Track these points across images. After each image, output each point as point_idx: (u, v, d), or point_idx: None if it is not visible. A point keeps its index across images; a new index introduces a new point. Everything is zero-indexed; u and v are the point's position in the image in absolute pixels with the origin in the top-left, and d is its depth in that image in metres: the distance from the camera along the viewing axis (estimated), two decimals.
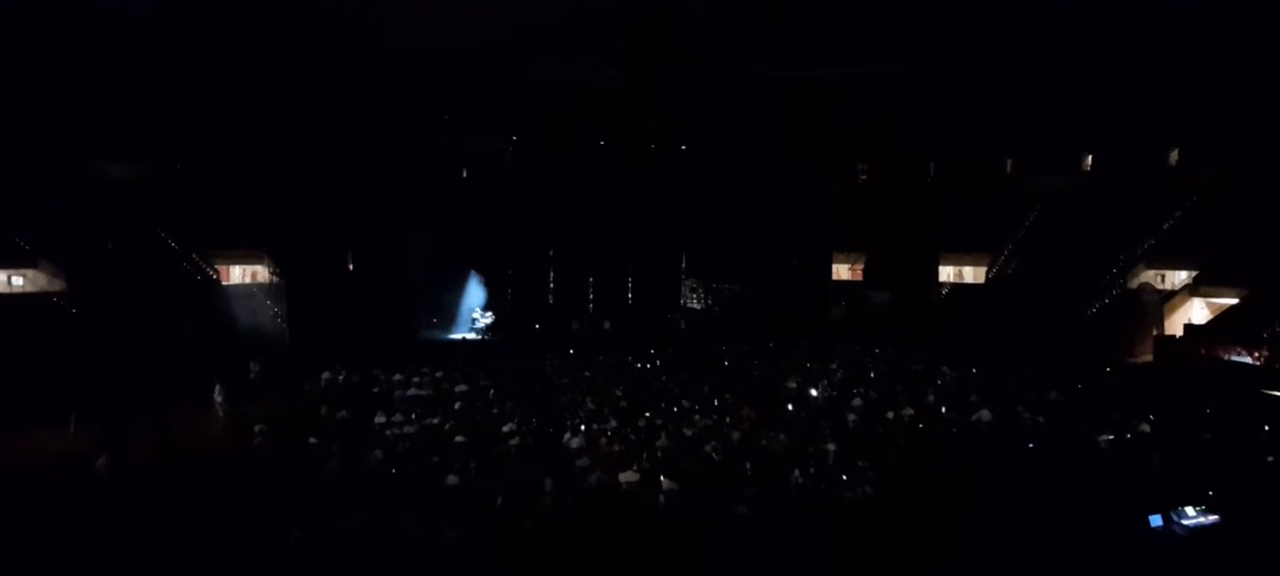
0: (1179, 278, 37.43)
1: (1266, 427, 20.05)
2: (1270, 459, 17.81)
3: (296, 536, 13.72)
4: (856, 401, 23.79)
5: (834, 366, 30.09)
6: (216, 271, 38.54)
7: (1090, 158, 45.24)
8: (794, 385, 26.64)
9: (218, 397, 23.96)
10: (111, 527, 14.94)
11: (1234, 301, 33.43)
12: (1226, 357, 29.84)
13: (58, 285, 32.53)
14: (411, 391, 25.37)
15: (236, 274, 40.14)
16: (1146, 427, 20.32)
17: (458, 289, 45.09)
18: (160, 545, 14.19)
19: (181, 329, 32.31)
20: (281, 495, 16.14)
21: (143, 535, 14.52)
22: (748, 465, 17.56)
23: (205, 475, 18.28)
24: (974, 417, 21.79)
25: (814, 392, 25.72)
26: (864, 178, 49.95)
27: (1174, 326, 34.78)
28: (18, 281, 32.77)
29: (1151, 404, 22.50)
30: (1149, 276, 38.17)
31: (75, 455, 19.03)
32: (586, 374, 28.77)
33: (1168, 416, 21.35)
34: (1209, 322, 33.64)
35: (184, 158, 39.99)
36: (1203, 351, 31.04)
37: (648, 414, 22.34)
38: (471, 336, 42.09)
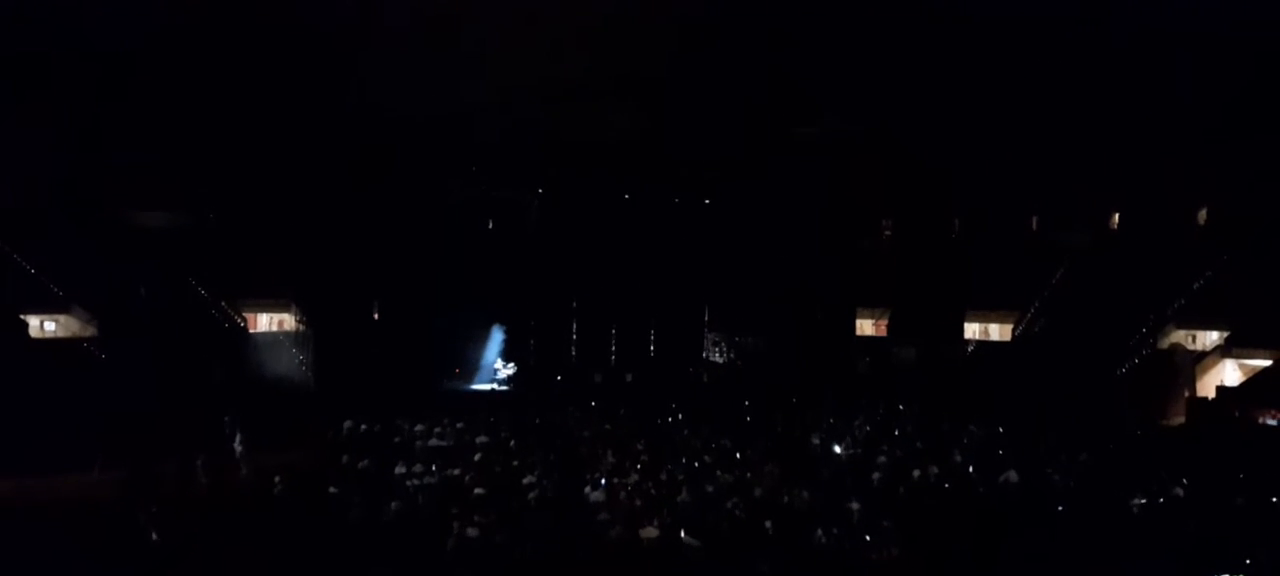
0: (1210, 338, 36.79)
1: None
2: None
3: None
4: (881, 459, 23.48)
5: (858, 423, 29.75)
6: (244, 319, 38.99)
7: (1117, 216, 44.92)
8: (817, 441, 26.36)
9: (237, 446, 23.95)
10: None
11: (1267, 363, 32.80)
12: (1261, 420, 29.20)
13: (89, 331, 33.02)
14: (433, 442, 25.36)
15: (264, 321, 40.57)
16: (1180, 491, 19.86)
17: (480, 340, 45.28)
18: None
19: (210, 375, 32.66)
20: (303, 544, 16.13)
21: None
22: (770, 522, 17.31)
23: (228, 522, 18.33)
24: (1002, 478, 21.40)
25: (838, 449, 25.43)
26: (888, 233, 49.85)
27: (1206, 388, 34.10)
28: (50, 326, 33.32)
29: (1185, 467, 22.00)
30: (1180, 336, 37.57)
31: (101, 499, 19.18)
32: (608, 427, 28.65)
33: (1202, 480, 20.85)
34: (1242, 384, 32.99)
35: (215, 207, 40.75)
36: (1237, 413, 30.40)
37: (669, 468, 22.17)
38: (494, 387, 42.14)
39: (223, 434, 24.12)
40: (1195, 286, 38.42)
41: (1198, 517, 17.97)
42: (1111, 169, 42.23)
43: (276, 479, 19.95)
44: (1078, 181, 43.24)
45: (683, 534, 16.28)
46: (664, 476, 21.33)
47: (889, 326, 45.62)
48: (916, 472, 21.92)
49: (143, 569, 15.18)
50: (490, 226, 46.88)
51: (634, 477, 21.04)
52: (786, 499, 19.42)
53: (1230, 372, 34.46)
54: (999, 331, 43.78)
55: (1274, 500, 19.33)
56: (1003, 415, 29.74)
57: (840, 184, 46.19)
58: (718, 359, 49.13)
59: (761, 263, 45.13)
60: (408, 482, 20.45)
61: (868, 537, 16.63)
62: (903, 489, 20.95)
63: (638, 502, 19.03)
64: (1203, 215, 42.49)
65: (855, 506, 18.51)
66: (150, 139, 38.10)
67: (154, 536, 16.32)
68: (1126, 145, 41.10)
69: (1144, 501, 19.21)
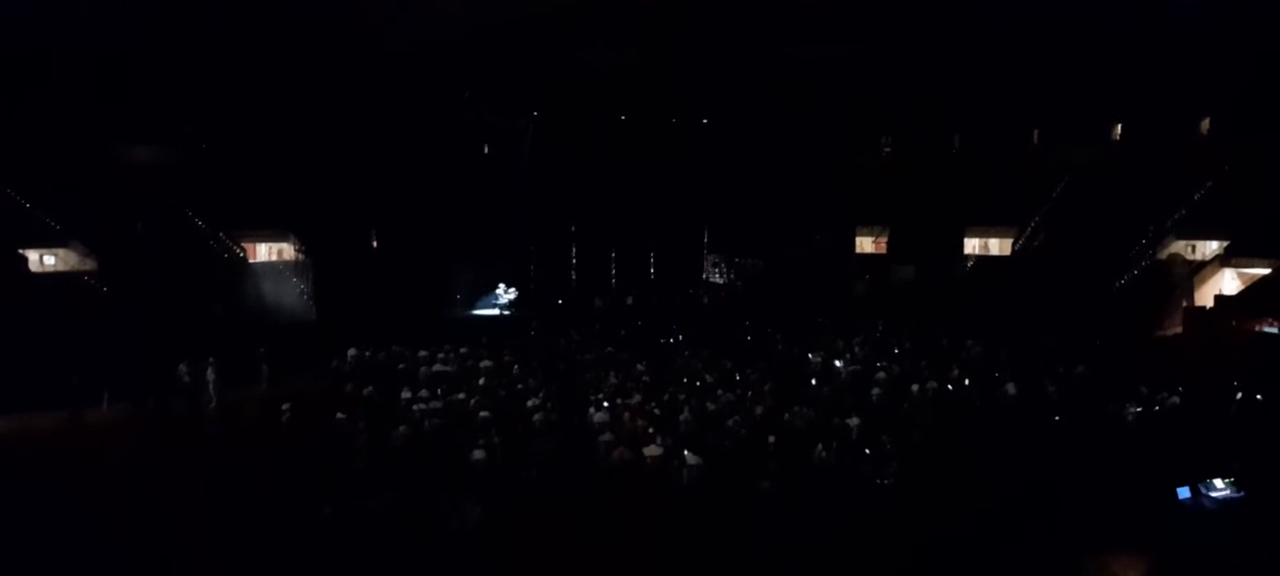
0: (1209, 248, 36.83)
1: None
2: None
3: (327, 512, 13.94)
4: (881, 376, 23.72)
5: (858, 341, 29.96)
6: (243, 250, 38.95)
7: (1119, 128, 44.49)
8: (817, 360, 26.59)
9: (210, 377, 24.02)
10: (142, 504, 15.25)
11: (1265, 272, 32.88)
12: (1258, 329, 29.39)
13: (89, 264, 33.03)
14: (437, 367, 25.59)
15: (263, 252, 40.53)
16: (1176, 400, 20.12)
17: (481, 266, 45.26)
18: (191, 521, 14.49)
19: (211, 306, 32.80)
20: (311, 471, 16.41)
21: (173, 512, 14.83)
22: (771, 440, 17.60)
23: (235, 451, 18.61)
24: (1000, 392, 21.67)
25: (838, 366, 25.66)
26: (887, 151, 49.42)
27: (1204, 298, 34.27)
28: (50, 261, 33.31)
29: (1181, 376, 22.24)
30: (1178, 247, 37.59)
31: (108, 433, 19.41)
32: (609, 349, 28.86)
33: (1197, 389, 21.10)
34: (1240, 294, 33.13)
35: (210, 139, 40.34)
36: (1234, 323, 30.58)
37: (671, 389, 22.42)
38: (496, 312, 42.32)
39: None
40: (1195, 197, 38.31)
41: (1192, 425, 18.23)
42: (1112, 82, 41.61)
43: (284, 407, 20.19)
44: (1079, 95, 42.65)
45: (686, 453, 16.54)
46: (666, 397, 21.59)
47: (888, 244, 45.62)
48: (915, 388, 22.19)
49: (152, 500, 15.43)
50: (486, 151, 46.43)
51: (636, 399, 21.29)
52: (787, 417, 19.70)
53: (1229, 282, 34.60)
54: (999, 246, 43.81)
55: (1268, 407, 19.59)
56: (1001, 330, 29.95)
57: (838, 102, 45.52)
58: (718, 280, 49.23)
59: (761, 183, 44.83)
60: (413, 409, 20.71)
61: (867, 452, 16.91)
62: (903, 404, 21.23)
63: (640, 423, 19.29)
64: (1204, 125, 42.10)
65: (855, 422, 18.80)
66: (140, 76, 37.43)
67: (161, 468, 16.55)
68: (1127, 57, 40.45)
69: (1140, 410, 19.49)
